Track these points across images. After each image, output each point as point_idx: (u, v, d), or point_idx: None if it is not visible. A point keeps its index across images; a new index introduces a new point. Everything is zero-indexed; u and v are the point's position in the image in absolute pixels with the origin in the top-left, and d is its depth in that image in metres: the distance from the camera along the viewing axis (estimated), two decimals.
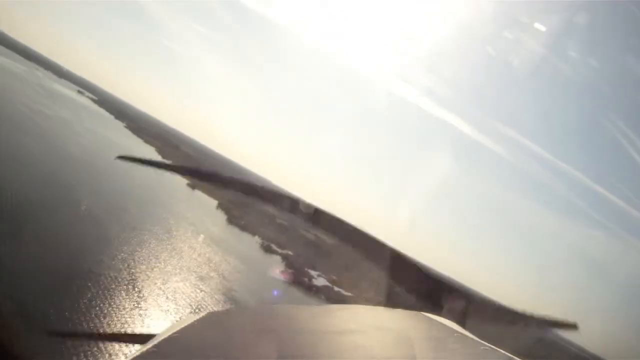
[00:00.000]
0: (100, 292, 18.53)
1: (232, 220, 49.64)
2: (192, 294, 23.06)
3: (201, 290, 24.12)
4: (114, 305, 18.08)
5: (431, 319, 3.40)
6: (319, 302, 34.75)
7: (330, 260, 52.02)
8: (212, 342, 2.70)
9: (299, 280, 39.88)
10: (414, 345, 2.75)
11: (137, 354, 2.27)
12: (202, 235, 36.92)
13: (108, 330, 16.04)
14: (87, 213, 26.76)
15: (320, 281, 43.25)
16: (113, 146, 63.15)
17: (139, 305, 19.16)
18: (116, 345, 15.14)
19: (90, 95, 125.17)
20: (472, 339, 2.98)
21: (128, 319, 17.53)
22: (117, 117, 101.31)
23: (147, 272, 23.05)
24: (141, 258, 24.48)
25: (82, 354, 13.99)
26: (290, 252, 48.13)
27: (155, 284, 22.25)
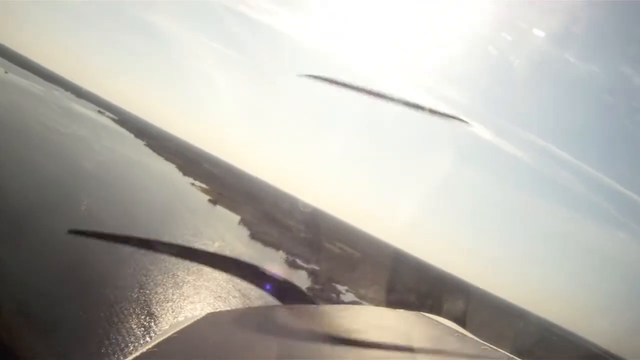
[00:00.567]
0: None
1: (255, 235, 48.50)
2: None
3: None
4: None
5: (431, 319, 3.37)
6: None
7: (357, 273, 50.74)
8: (212, 342, 2.67)
9: (326, 296, 38.53)
10: (414, 345, 2.76)
11: (137, 354, 2.19)
12: (225, 250, 35.71)
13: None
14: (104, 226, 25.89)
15: (348, 296, 41.91)
16: (132, 164, 63.13)
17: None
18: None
19: (110, 115, 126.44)
20: (472, 339, 2.96)
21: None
22: (137, 136, 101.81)
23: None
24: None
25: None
26: (316, 267, 46.97)
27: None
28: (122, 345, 15.44)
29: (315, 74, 3.51)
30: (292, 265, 45.06)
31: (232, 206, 59.86)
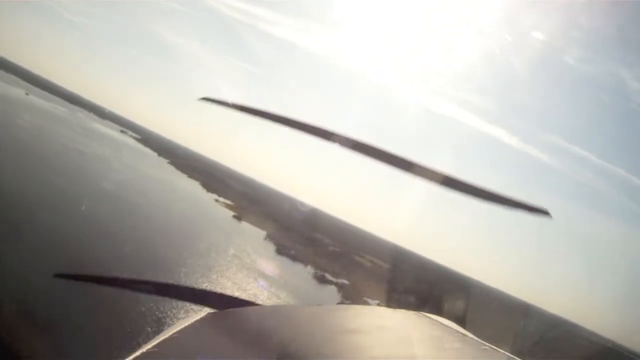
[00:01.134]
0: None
1: (281, 250, 47.43)
2: None
3: None
4: None
5: (431, 319, 3.29)
6: None
7: (388, 286, 49.12)
8: (212, 342, 2.69)
9: None
10: (414, 345, 2.77)
11: (137, 354, 2.22)
12: (251, 274, 34.71)
13: None
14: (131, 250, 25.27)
15: None
16: (155, 181, 63.06)
17: None
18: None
19: (133, 134, 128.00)
20: (472, 339, 2.92)
21: None
22: (160, 154, 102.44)
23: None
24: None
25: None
26: (345, 281, 45.65)
27: None
28: None
29: (217, 98, 3.35)
30: (322, 280, 43.79)
31: (256, 221, 59.11)
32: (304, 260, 47.20)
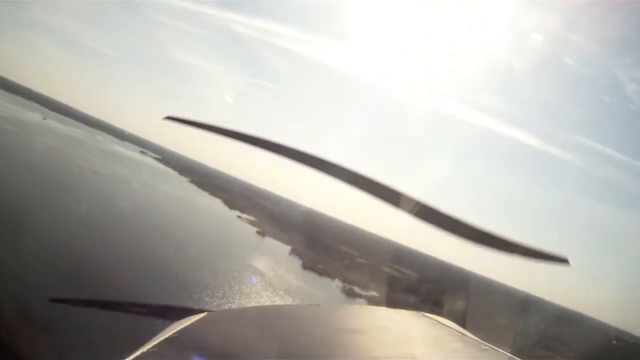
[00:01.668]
0: None
1: (307, 265, 46.51)
2: None
3: None
4: None
5: (431, 319, 3.31)
6: None
7: (418, 298, 47.70)
8: (212, 342, 2.68)
9: None
10: (414, 345, 2.76)
11: (137, 354, 2.22)
12: (276, 289, 33.83)
13: None
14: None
15: None
16: (175, 200, 62.95)
17: None
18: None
19: (154, 155, 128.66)
20: (472, 339, 2.94)
21: None
22: (181, 173, 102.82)
23: None
24: None
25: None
26: (375, 294, 44.44)
27: None
28: None
29: (180, 117, 3.20)
30: (350, 294, 42.67)
31: (280, 236, 58.58)
32: (331, 274, 46.27)
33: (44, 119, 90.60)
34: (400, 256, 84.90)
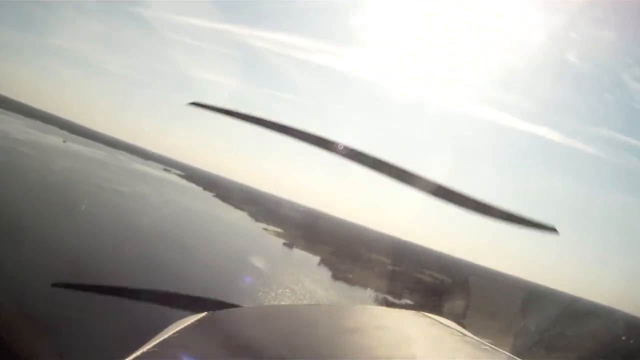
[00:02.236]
0: None
1: (337, 276, 45.59)
2: None
3: None
4: None
5: (431, 319, 3.30)
6: None
7: (454, 304, 46.17)
8: (212, 342, 2.67)
9: None
10: (414, 345, 2.76)
11: (137, 353, 2.23)
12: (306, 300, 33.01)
13: None
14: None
15: None
16: (202, 216, 62.96)
17: None
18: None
19: (177, 172, 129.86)
20: (472, 338, 2.93)
21: None
22: (205, 189, 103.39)
23: None
24: None
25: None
26: (409, 301, 43.19)
27: None
28: None
29: (206, 103, 3.24)
30: (383, 303, 41.56)
31: (308, 247, 57.99)
32: (363, 284, 45.28)
33: (64, 142, 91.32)
34: (428, 260, 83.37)
